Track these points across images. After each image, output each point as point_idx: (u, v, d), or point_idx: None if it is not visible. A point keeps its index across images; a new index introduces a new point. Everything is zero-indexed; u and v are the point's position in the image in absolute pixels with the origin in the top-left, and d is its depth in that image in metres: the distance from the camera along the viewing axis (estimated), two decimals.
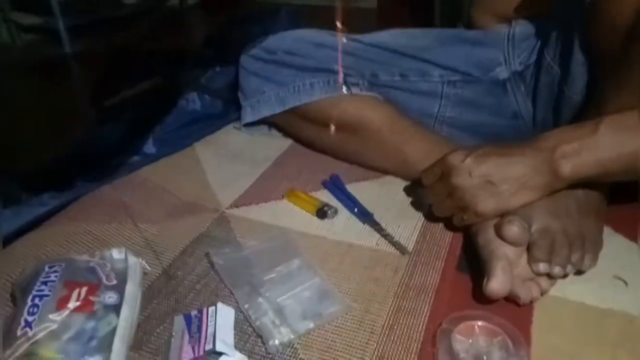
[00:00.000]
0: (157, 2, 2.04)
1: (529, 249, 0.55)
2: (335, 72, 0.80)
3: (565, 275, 0.55)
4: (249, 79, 0.86)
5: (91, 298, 0.51)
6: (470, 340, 0.49)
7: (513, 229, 0.53)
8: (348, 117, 0.78)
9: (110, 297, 0.52)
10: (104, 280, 0.53)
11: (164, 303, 0.57)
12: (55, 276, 0.52)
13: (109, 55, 1.16)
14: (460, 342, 0.48)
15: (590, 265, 0.56)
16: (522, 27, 0.74)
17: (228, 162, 0.86)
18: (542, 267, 0.53)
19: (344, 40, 0.84)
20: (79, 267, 0.55)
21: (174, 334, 0.52)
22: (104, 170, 0.77)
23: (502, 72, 0.74)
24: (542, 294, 0.55)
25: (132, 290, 0.54)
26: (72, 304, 0.49)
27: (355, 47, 0.82)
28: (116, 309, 0.51)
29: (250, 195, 0.76)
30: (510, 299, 0.54)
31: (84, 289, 0.51)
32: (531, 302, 0.54)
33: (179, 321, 0.54)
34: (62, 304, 0.49)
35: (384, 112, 0.77)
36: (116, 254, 0.58)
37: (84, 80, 1.36)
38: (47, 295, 0.50)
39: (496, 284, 0.50)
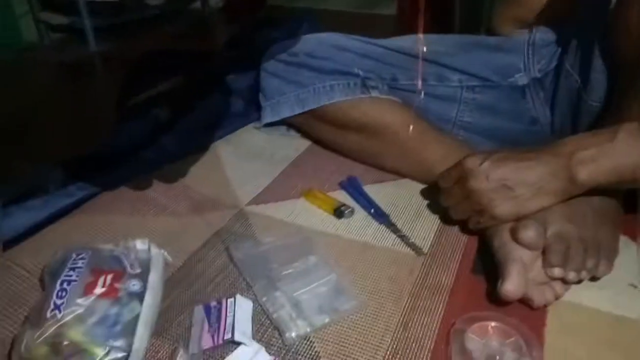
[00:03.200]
0: (180, 5, 2.08)
1: (544, 253, 0.55)
2: (355, 75, 0.81)
3: (579, 281, 0.56)
4: (270, 80, 0.88)
5: (116, 285, 0.53)
6: (484, 341, 0.49)
7: (529, 233, 0.53)
8: (367, 119, 0.79)
9: (134, 285, 0.54)
10: (129, 269, 0.55)
11: (185, 293, 0.59)
12: (83, 263, 0.54)
13: (132, 55, 1.18)
14: (473, 341, 0.49)
15: (605, 272, 0.56)
16: (543, 34, 0.74)
17: (248, 160, 0.88)
18: (556, 272, 0.54)
19: (365, 43, 0.85)
20: (105, 256, 0.57)
21: (194, 322, 0.54)
22: (128, 168, 0.80)
23: (522, 78, 0.75)
24: (556, 299, 0.55)
25: (155, 279, 0.55)
26: (98, 290, 0.51)
27: (375, 50, 0.84)
28: (139, 296, 0.53)
29: (269, 193, 0.78)
30: (524, 302, 0.54)
31: (110, 276, 0.53)
32: (545, 305, 0.55)
33: (199, 311, 0.55)
34: (89, 289, 0.51)
35: (402, 116, 0.78)
36: (140, 244, 0.60)
37: (108, 79, 1.39)
38: (75, 281, 0.52)
39: (511, 286, 0.51)
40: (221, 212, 0.73)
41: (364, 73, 0.81)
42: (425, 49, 0.79)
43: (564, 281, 0.55)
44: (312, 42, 0.86)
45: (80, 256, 0.55)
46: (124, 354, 0.48)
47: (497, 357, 0.48)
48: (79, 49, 1.74)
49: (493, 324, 0.51)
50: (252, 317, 0.55)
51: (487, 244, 0.61)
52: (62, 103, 1.16)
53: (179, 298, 0.58)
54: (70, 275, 0.52)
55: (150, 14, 1.92)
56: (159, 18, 1.95)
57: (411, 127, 0.76)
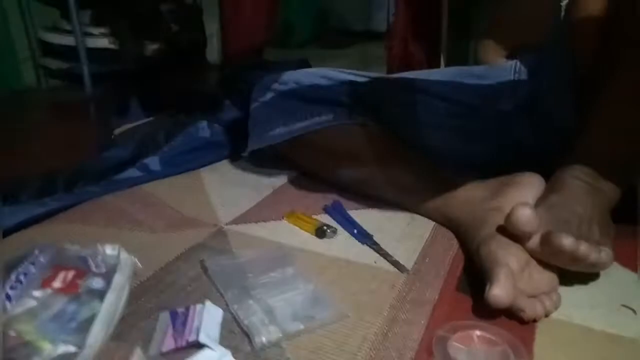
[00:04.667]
0: (178, 59, 2.15)
1: (549, 234, 0.52)
2: (342, 105, 0.82)
3: (590, 263, 0.52)
4: (258, 109, 0.88)
5: (77, 281, 0.49)
6: (468, 349, 0.46)
7: (526, 211, 0.51)
8: (351, 146, 0.79)
9: (97, 283, 0.50)
10: (93, 268, 0.52)
11: (152, 301, 0.55)
12: (44, 259, 0.51)
13: (124, 90, 1.20)
14: (457, 349, 0.46)
15: (607, 262, 0.53)
16: (528, 60, 0.76)
17: (232, 186, 0.86)
18: (568, 242, 0.50)
19: (354, 75, 0.87)
20: (70, 255, 0.54)
21: (157, 328, 0.50)
22: (108, 182, 0.78)
23: (507, 104, 0.76)
24: (545, 316, 0.52)
25: (120, 280, 0.52)
26: (56, 284, 0.48)
27: (363, 81, 0.85)
28: (101, 296, 0.49)
29: (250, 214, 0.76)
30: (513, 314, 0.51)
31: (71, 273, 0.50)
32: (534, 320, 0.52)
33: (164, 317, 0.51)
34: (46, 283, 0.48)
35: (388, 143, 0.78)
36: (109, 249, 0.57)
37: (99, 116, 1.40)
38: (32, 273, 0.48)
39: (499, 291, 0.48)
40: (199, 229, 0.70)
41: (351, 101, 0.82)
42: (411, 78, 0.80)
43: (574, 258, 0.51)
44: (302, 72, 0.88)
45: (43, 252, 0.52)
46: (75, 349, 0.43)
47: None
48: (75, 92, 1.78)
49: (478, 332, 0.47)
50: (222, 325, 0.51)
51: (473, 261, 0.59)
52: (52, 131, 1.16)
53: (145, 305, 0.54)
54: (29, 269, 0.49)
55: (147, 64, 1.97)
56: (157, 67, 2.00)
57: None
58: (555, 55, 0.68)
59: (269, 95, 0.87)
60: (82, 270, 0.51)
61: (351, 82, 0.84)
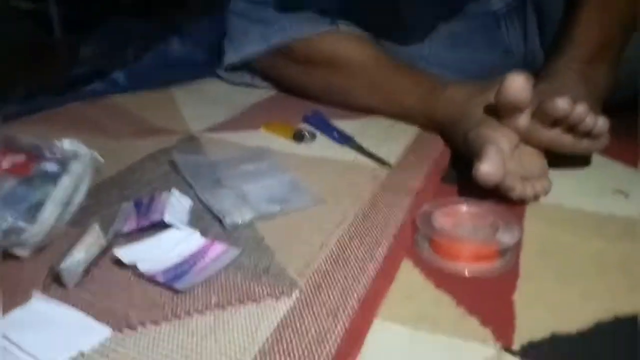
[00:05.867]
0: None
1: (542, 102, 0.49)
2: (324, 12, 0.77)
3: (585, 133, 0.49)
4: (235, 21, 0.83)
5: (29, 164, 0.45)
6: (455, 220, 0.43)
7: (519, 78, 0.48)
8: (334, 53, 0.75)
9: (51, 167, 0.46)
10: (47, 155, 0.48)
11: (115, 194, 0.51)
12: None
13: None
14: (443, 222, 0.42)
15: (604, 130, 0.50)
16: None
17: (205, 102, 0.81)
18: (562, 102, 0.47)
19: None
20: (22, 143, 0.49)
21: (119, 214, 0.46)
22: (74, 93, 0.73)
23: (496, 3, 0.72)
24: (535, 198, 0.50)
25: (78, 168, 0.48)
26: (4, 164, 0.44)
27: None
28: (55, 181, 0.45)
29: (225, 125, 0.72)
30: (502, 197, 0.48)
31: (22, 156, 0.46)
32: (523, 202, 0.49)
33: (127, 205, 0.47)
34: None
35: (370, 49, 0.74)
36: (68, 144, 0.52)
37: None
38: None
39: (488, 167, 0.45)
40: (169, 136, 0.66)
41: (333, 9, 0.77)
42: None
43: (570, 125, 0.48)
44: None
45: None
46: (25, 225, 0.39)
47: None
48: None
49: (465, 207, 0.44)
50: (190, 213, 0.47)
51: (460, 152, 0.56)
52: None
53: (108, 197, 0.50)
54: None
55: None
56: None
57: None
58: None
59: (246, 6, 0.82)
60: (34, 154, 0.47)
61: None
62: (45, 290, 0.36)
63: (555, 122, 0.49)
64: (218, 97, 0.84)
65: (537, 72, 0.62)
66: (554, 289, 0.38)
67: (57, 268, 0.36)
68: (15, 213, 0.40)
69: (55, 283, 0.37)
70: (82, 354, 0.31)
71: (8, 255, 0.39)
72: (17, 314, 0.34)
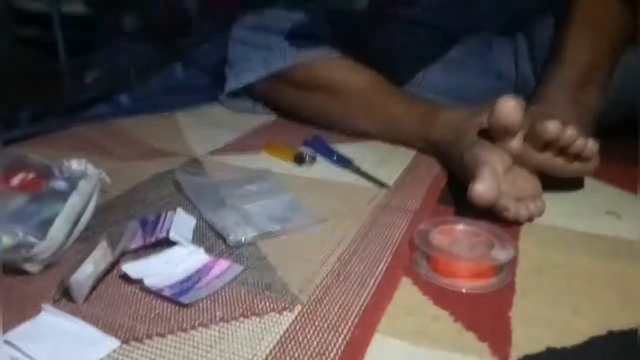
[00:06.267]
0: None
1: (533, 126, 0.51)
2: (322, 38, 0.80)
3: (575, 155, 0.51)
4: (237, 48, 0.86)
5: (40, 181, 0.46)
6: (451, 239, 0.44)
7: (510, 101, 0.50)
8: (333, 78, 0.77)
9: (60, 185, 0.47)
10: (57, 173, 0.49)
11: (121, 213, 0.52)
12: (4, 160, 0.48)
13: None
14: (439, 239, 0.44)
15: (593, 150, 0.51)
16: None
17: (208, 126, 0.83)
18: (552, 125, 0.48)
19: (335, 12, 0.85)
20: (33, 162, 0.50)
21: (125, 232, 0.47)
22: (76, 117, 0.75)
23: (490, 26, 0.75)
24: (529, 219, 0.51)
25: (86, 187, 0.49)
26: (15, 181, 0.45)
27: (346, 15, 0.83)
28: (65, 199, 0.46)
29: (227, 148, 0.73)
30: (497, 217, 0.49)
31: (33, 173, 0.47)
32: (518, 223, 0.50)
33: (133, 224, 0.49)
34: (3, 180, 0.45)
35: (368, 74, 0.77)
36: (76, 164, 0.54)
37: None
38: None
39: (482, 186, 0.46)
40: (173, 158, 0.68)
41: (332, 35, 0.80)
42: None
43: (560, 148, 0.50)
44: (283, 4, 0.85)
45: (2, 155, 0.49)
46: (35, 240, 0.40)
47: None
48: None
49: (461, 226, 0.46)
50: (195, 231, 0.48)
51: (456, 175, 0.58)
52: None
53: (114, 216, 0.51)
54: None
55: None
56: None
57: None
58: None
59: (247, 33, 0.85)
60: (44, 173, 0.48)
61: (331, 15, 0.82)
62: (55, 304, 0.37)
63: (547, 144, 0.51)
64: (220, 121, 0.86)
65: (529, 97, 0.65)
66: (549, 305, 0.39)
67: (66, 282, 0.37)
68: (26, 228, 0.41)
69: (64, 298, 0.38)
70: None
71: (18, 271, 0.40)
72: (27, 326, 0.34)
